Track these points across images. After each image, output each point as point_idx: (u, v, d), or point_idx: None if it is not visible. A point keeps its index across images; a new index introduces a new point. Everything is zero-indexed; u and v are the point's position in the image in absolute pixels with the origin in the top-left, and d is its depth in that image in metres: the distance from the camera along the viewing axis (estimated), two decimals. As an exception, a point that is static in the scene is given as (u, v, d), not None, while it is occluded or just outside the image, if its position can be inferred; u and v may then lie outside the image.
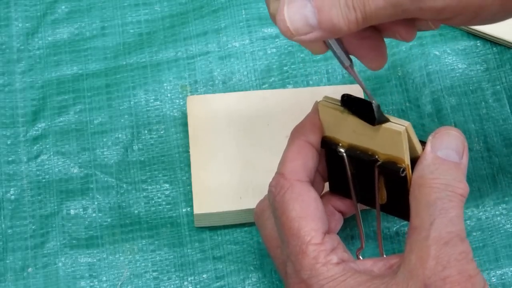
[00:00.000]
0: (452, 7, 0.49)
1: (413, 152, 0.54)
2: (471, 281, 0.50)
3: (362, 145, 0.55)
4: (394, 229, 0.65)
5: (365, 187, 0.56)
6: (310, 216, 0.54)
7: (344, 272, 0.52)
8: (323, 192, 0.60)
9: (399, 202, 0.55)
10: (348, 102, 0.54)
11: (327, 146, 0.56)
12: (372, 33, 0.54)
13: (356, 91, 0.68)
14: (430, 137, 0.53)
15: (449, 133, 0.53)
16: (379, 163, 0.55)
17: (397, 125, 0.53)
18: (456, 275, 0.49)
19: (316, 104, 0.56)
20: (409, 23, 0.53)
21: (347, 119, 0.54)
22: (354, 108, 0.53)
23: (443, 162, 0.52)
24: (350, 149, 0.55)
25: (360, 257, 0.59)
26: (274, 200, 0.55)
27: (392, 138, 0.53)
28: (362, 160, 0.55)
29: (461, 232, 0.51)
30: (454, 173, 0.52)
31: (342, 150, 0.56)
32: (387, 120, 0.53)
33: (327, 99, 0.56)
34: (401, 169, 0.54)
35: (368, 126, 0.53)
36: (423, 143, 0.54)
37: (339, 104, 0.55)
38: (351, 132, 0.55)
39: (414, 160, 0.54)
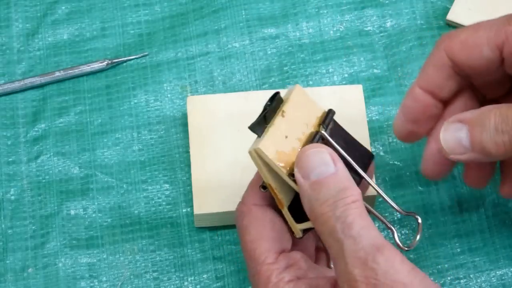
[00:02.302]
0: None
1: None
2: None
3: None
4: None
5: None
6: (264, 238, 0.54)
7: None
8: None
9: None
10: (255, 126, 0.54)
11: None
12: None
13: (356, 91, 0.68)
14: (295, 168, 0.52)
15: (307, 155, 0.52)
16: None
17: (253, 146, 0.54)
18: None
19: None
20: None
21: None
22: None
23: (320, 183, 0.51)
24: None
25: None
26: (237, 226, 0.56)
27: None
28: None
29: (375, 240, 0.48)
30: (336, 185, 0.50)
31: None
32: (259, 135, 0.54)
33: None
34: (261, 186, 0.55)
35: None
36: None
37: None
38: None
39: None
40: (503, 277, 0.64)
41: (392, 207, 0.55)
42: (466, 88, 0.59)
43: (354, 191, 0.50)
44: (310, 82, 0.71)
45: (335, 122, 0.55)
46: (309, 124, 0.55)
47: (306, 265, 0.54)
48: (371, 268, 0.47)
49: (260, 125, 0.54)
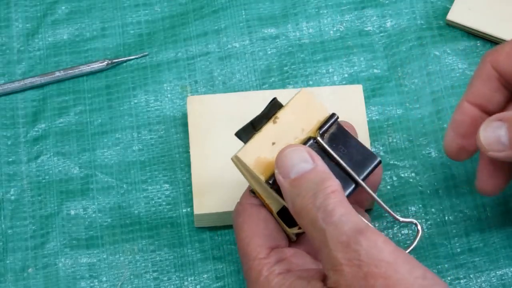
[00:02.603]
0: None
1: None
2: (393, 267, 0.48)
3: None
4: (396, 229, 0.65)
5: None
6: (257, 235, 0.55)
7: (284, 281, 0.52)
8: None
9: None
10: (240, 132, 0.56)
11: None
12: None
13: (356, 91, 0.68)
14: (275, 170, 0.53)
15: (286, 155, 0.52)
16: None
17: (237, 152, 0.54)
18: (375, 269, 0.48)
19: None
20: None
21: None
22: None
23: (300, 180, 0.51)
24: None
25: None
26: (233, 225, 0.57)
27: None
28: None
29: (356, 225, 0.49)
30: (315, 179, 0.51)
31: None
32: (244, 142, 0.55)
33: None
34: (250, 190, 0.56)
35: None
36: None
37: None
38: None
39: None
40: (503, 277, 0.64)
41: (391, 214, 0.55)
42: None
43: (334, 181, 0.51)
44: (310, 82, 0.71)
45: (339, 126, 0.55)
46: (307, 129, 0.55)
47: (301, 261, 0.55)
48: (354, 250, 0.48)
49: (246, 132, 0.54)
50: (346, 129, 0.56)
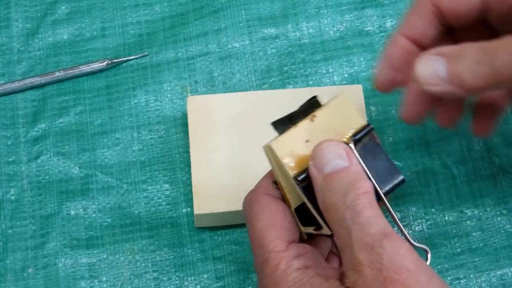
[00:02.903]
0: None
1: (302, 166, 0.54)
2: (414, 276, 0.48)
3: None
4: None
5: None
6: (275, 226, 0.54)
7: (303, 276, 0.51)
8: None
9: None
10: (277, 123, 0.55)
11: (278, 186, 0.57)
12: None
13: (356, 91, 0.68)
14: (310, 162, 0.52)
15: (323, 148, 0.52)
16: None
17: (268, 142, 0.53)
18: (395, 275, 0.47)
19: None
20: None
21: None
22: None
23: (333, 176, 0.51)
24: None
25: None
26: (245, 214, 0.56)
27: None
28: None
29: (383, 229, 0.49)
30: (348, 178, 0.51)
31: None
32: (279, 133, 0.54)
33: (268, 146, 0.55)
34: (273, 181, 0.55)
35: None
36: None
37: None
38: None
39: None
40: (503, 277, 0.64)
41: (405, 235, 0.54)
42: (447, 38, 0.59)
43: (366, 183, 0.50)
44: (310, 82, 0.71)
45: (372, 137, 0.54)
46: (341, 134, 0.54)
47: (317, 259, 0.54)
48: (377, 253, 0.48)
49: (282, 124, 0.54)
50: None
